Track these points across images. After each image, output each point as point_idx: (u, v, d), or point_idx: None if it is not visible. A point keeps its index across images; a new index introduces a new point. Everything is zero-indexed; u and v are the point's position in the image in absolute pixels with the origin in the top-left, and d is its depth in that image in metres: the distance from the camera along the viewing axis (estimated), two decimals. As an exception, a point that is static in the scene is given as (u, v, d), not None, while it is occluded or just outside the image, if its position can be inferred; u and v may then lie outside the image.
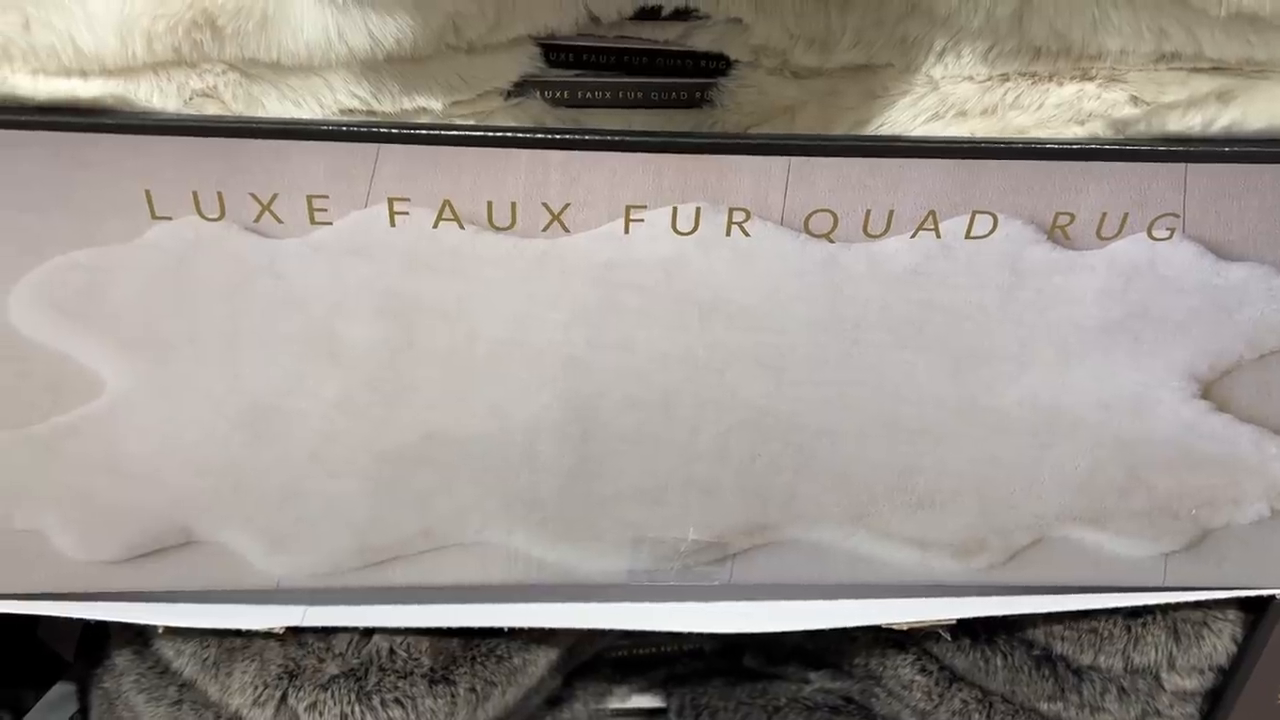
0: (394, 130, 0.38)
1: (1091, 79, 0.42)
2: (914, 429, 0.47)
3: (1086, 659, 0.57)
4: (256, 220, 0.40)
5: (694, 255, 0.42)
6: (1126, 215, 0.41)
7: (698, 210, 0.41)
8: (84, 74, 0.38)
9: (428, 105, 0.42)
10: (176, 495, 0.46)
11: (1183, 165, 0.40)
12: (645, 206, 0.40)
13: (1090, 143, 0.40)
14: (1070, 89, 0.42)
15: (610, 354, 0.44)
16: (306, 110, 0.41)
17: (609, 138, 0.39)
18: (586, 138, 0.39)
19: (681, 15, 0.43)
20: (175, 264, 0.41)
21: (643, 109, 0.47)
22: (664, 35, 0.44)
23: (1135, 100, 0.42)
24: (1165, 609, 0.56)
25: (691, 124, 0.47)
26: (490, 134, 0.39)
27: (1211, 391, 0.46)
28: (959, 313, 0.44)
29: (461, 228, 0.40)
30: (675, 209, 0.40)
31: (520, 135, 0.39)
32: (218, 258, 0.40)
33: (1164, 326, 0.44)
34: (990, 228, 0.41)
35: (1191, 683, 0.58)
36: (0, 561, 0.47)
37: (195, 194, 0.39)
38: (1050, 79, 0.42)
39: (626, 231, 0.41)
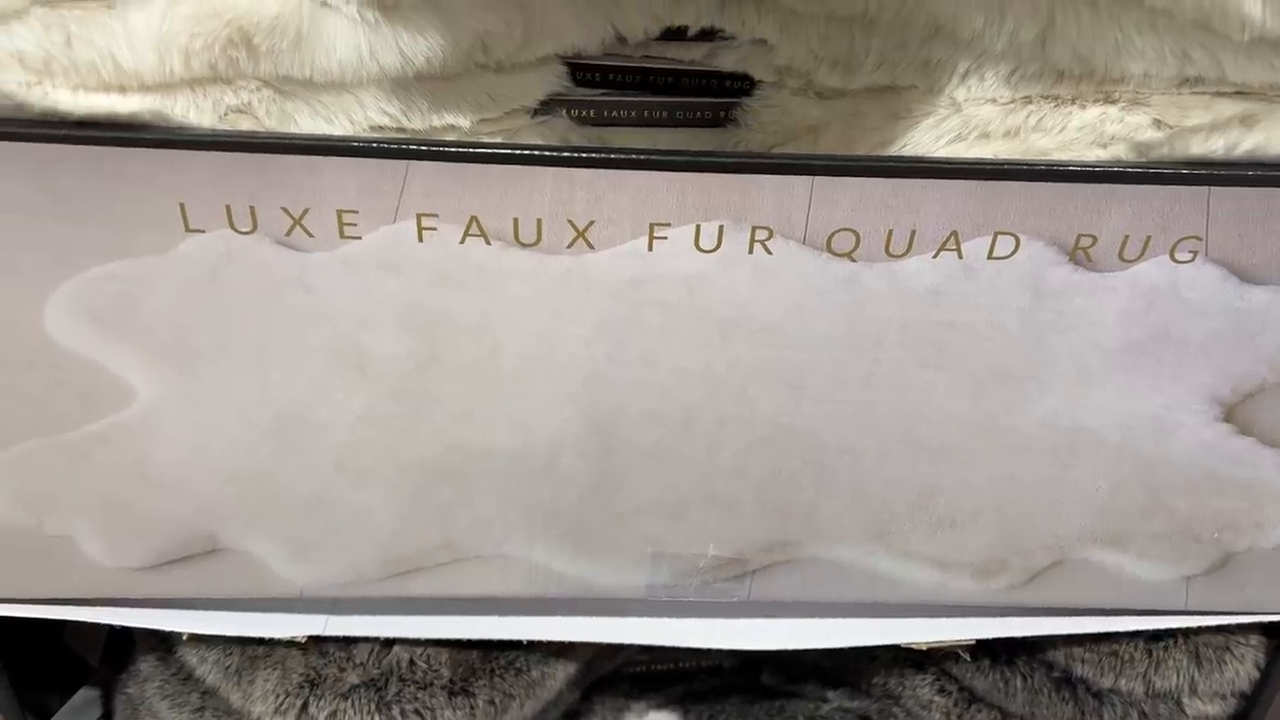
0: (423, 147, 0.39)
1: (1114, 102, 0.42)
2: (934, 448, 0.47)
3: (1107, 682, 0.56)
4: (288, 234, 0.41)
5: (716, 273, 0.42)
6: (1149, 238, 0.41)
7: (721, 228, 0.41)
8: (123, 90, 0.39)
9: (456, 123, 0.42)
10: (204, 503, 0.47)
11: (1205, 189, 0.40)
12: (669, 224, 0.41)
13: (1113, 165, 0.40)
14: (1093, 112, 0.42)
15: (632, 370, 0.44)
16: (338, 127, 0.41)
17: (634, 156, 0.39)
18: (612, 156, 0.39)
19: (707, 35, 0.43)
20: (208, 276, 0.41)
21: (667, 128, 0.47)
22: (689, 55, 0.45)
23: (1158, 124, 0.42)
24: (1187, 633, 0.55)
25: (715, 143, 0.47)
26: (517, 152, 0.39)
27: (1234, 415, 0.46)
28: (980, 333, 0.44)
29: (488, 244, 0.41)
30: (698, 227, 0.41)
31: (546, 153, 0.39)
32: (249, 270, 0.41)
33: (1186, 349, 0.44)
34: (1012, 249, 0.42)
35: (1213, 708, 0.57)
36: (30, 566, 0.48)
37: (228, 208, 0.40)
38: (1073, 102, 0.43)
39: (650, 249, 0.41)
